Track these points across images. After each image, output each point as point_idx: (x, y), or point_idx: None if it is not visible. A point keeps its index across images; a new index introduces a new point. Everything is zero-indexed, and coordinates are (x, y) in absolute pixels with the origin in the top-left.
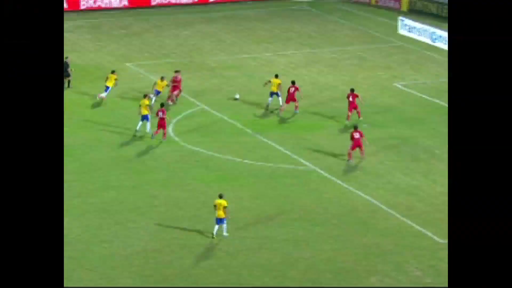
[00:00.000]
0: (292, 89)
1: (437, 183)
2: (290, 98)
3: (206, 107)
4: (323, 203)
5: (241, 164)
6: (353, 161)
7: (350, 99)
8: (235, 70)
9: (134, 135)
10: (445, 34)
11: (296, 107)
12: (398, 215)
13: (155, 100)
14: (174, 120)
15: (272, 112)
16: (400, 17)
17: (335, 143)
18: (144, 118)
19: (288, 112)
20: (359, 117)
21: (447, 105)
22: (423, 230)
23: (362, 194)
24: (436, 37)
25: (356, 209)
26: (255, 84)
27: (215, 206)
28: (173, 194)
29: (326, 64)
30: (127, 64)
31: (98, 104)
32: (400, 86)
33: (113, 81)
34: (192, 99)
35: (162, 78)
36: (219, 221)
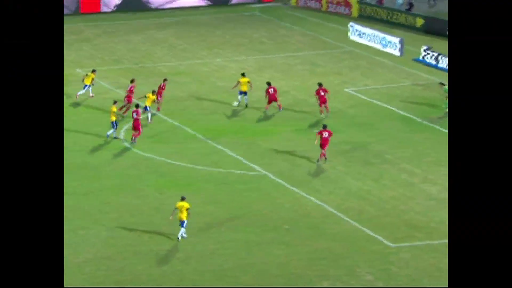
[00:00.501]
0: (272, 90)
1: (388, 187)
2: (272, 98)
3: (157, 113)
4: (275, 208)
5: (193, 170)
6: (321, 162)
7: (321, 93)
8: (187, 76)
9: (106, 140)
10: (395, 39)
11: (279, 105)
12: (349, 220)
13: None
14: (125, 127)
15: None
16: (351, 23)
17: (287, 149)
18: (113, 124)
19: (241, 116)
20: (326, 112)
21: (397, 110)
22: (374, 235)
23: (314, 199)
24: (386, 42)
25: (308, 214)
26: (206, 90)
27: (176, 208)
28: (126, 200)
29: (277, 69)
30: (78, 70)
31: None
32: (351, 92)
33: (90, 80)
34: (143, 105)
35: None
36: (181, 223)
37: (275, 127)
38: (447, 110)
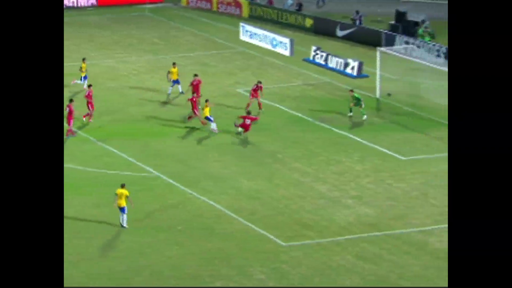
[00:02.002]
0: (255, 87)
1: (280, 186)
2: (254, 96)
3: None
4: (167, 209)
5: (85, 172)
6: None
7: (255, 88)
8: (76, 77)
9: None
10: (285, 40)
11: (260, 104)
12: (241, 220)
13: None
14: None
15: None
16: (242, 23)
17: (179, 149)
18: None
19: (132, 117)
20: (260, 109)
21: (289, 110)
22: (266, 234)
23: (206, 200)
24: (277, 43)
25: (200, 214)
26: (97, 91)
27: (116, 194)
28: None
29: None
30: None
31: None
32: (242, 92)
33: (85, 69)
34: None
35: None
36: (121, 209)
37: (168, 128)
38: (365, 117)
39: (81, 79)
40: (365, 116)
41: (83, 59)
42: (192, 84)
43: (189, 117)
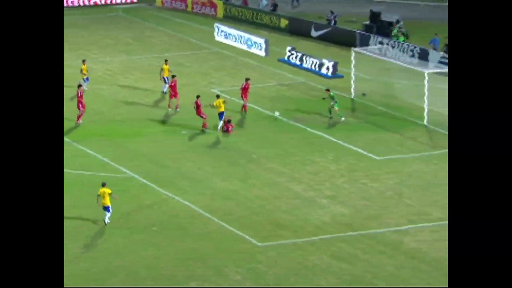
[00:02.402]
0: (245, 85)
1: (255, 187)
2: (245, 96)
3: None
4: (143, 210)
5: None
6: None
7: (244, 86)
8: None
9: None
10: (260, 40)
11: (245, 106)
12: (217, 220)
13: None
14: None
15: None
16: (216, 24)
17: (154, 150)
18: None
19: (108, 118)
20: (244, 111)
21: (264, 110)
22: (242, 234)
23: (182, 200)
24: (252, 43)
25: (176, 215)
26: (72, 92)
27: (99, 195)
28: None
29: (144, 70)
30: None
31: None
32: (217, 92)
33: (86, 71)
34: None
35: (166, 62)
36: (105, 208)
37: (143, 129)
38: (343, 119)
39: (84, 81)
40: (343, 118)
41: (83, 61)
42: (170, 85)
43: (203, 125)
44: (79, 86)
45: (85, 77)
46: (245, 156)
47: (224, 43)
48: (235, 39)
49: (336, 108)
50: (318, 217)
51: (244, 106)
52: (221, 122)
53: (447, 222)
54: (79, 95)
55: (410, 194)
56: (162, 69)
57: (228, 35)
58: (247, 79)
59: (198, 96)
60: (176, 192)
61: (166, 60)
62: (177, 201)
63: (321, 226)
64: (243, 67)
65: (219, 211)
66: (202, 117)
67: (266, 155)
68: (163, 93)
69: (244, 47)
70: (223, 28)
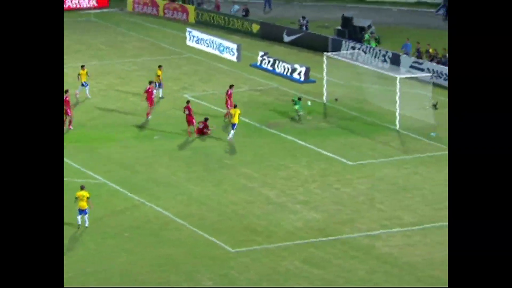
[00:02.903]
0: (229, 92)
1: (228, 192)
2: (230, 103)
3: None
4: (115, 216)
5: None
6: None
7: (229, 93)
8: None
9: None
10: (232, 45)
11: (227, 113)
12: (190, 226)
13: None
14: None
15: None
16: (188, 29)
17: (126, 155)
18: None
19: (80, 124)
20: (225, 117)
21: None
22: (215, 240)
23: (154, 206)
24: (224, 48)
25: (148, 221)
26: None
27: (77, 198)
28: None
29: (116, 76)
30: None
31: None
32: (189, 97)
33: (86, 76)
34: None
35: (160, 67)
36: (82, 211)
37: (115, 134)
38: (309, 118)
39: (82, 85)
40: (302, 113)
41: (82, 66)
42: (147, 91)
43: (190, 133)
44: (66, 91)
45: (84, 81)
46: (219, 161)
47: (196, 48)
48: (207, 44)
49: (297, 108)
50: (291, 222)
51: (228, 113)
52: (232, 132)
53: (419, 226)
54: (65, 99)
55: (382, 199)
56: (157, 75)
57: (200, 40)
58: (231, 86)
59: (188, 102)
60: (149, 197)
61: (160, 66)
62: (149, 207)
63: (294, 231)
64: (215, 72)
65: (192, 217)
66: (192, 122)
67: (239, 160)
68: (160, 98)
69: (216, 52)
70: (195, 33)
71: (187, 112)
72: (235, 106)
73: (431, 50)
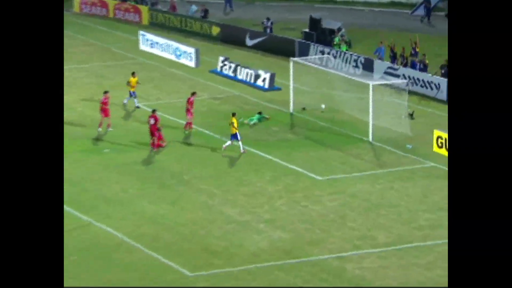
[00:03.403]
0: (191, 99)
1: (185, 210)
2: (190, 113)
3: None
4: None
5: None
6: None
7: (190, 100)
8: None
9: None
10: (189, 49)
11: (190, 124)
12: (143, 248)
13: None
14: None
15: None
16: (141, 32)
17: (74, 171)
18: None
19: None
20: (184, 128)
21: (195, 126)
22: (170, 263)
23: (104, 226)
24: (181, 53)
25: (97, 243)
26: None
27: None
28: None
29: None
30: None
31: None
32: (143, 106)
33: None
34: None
35: (133, 74)
36: None
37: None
38: (246, 121)
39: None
40: (246, 121)
41: (133, 73)
42: (102, 102)
43: (155, 145)
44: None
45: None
46: (175, 176)
47: (150, 53)
48: (162, 48)
49: (246, 121)
50: (254, 243)
51: (188, 124)
52: (240, 143)
53: (394, 247)
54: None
55: (354, 217)
56: (128, 82)
57: (154, 44)
58: (193, 93)
59: (154, 110)
60: (98, 217)
61: (133, 73)
62: (99, 227)
63: (258, 253)
64: (172, 79)
65: (146, 238)
66: (155, 134)
67: (198, 175)
68: (136, 107)
69: (173, 57)
70: (149, 36)
71: (152, 122)
72: (233, 115)
73: (406, 54)
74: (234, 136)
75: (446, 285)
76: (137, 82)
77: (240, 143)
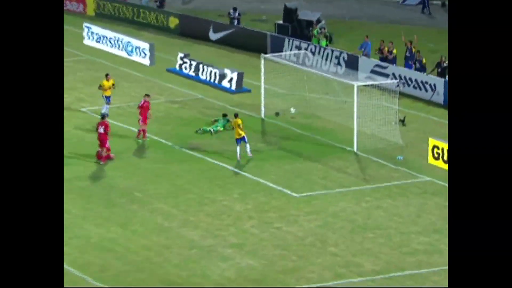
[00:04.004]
0: (143, 103)
1: (138, 234)
2: (144, 120)
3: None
4: None
5: None
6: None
7: (143, 104)
8: None
9: None
10: (143, 45)
11: (145, 132)
12: (89, 278)
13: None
14: None
15: None
16: (86, 24)
17: None
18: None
19: None
20: (137, 137)
21: (149, 135)
22: None
23: None
24: (133, 48)
25: None
26: None
27: None
28: None
29: None
30: None
31: None
32: (89, 112)
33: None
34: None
35: (107, 76)
36: None
37: None
38: (216, 130)
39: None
40: (210, 128)
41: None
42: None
43: (103, 157)
44: (147, 95)
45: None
46: (126, 194)
47: (97, 49)
48: (111, 43)
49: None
50: (220, 272)
51: (141, 132)
52: (247, 146)
53: (382, 275)
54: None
55: (336, 241)
56: (101, 86)
57: (101, 38)
58: (146, 96)
59: (103, 117)
60: None
61: (107, 75)
62: None
63: (224, 284)
64: (122, 79)
65: (92, 267)
66: (105, 144)
67: (152, 192)
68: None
69: (123, 53)
70: (95, 29)
71: (102, 130)
72: (236, 116)
73: (394, 51)
74: (240, 140)
75: None
76: (113, 85)
77: (247, 145)
